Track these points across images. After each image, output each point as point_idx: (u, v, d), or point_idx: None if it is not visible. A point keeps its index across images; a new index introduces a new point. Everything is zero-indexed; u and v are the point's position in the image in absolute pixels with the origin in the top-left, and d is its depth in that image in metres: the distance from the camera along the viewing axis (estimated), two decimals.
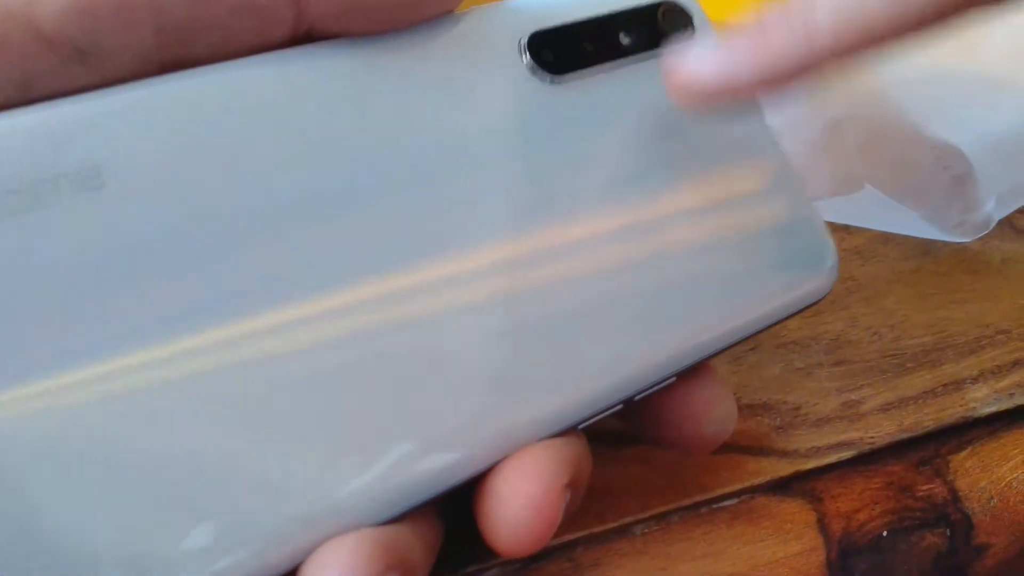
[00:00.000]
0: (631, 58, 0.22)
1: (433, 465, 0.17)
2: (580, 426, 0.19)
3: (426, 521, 0.18)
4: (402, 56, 0.19)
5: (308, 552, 0.16)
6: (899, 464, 0.24)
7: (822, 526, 0.22)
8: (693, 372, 0.20)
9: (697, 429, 0.21)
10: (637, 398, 0.19)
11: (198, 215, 0.17)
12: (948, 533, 0.23)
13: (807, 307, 0.22)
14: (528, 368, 0.18)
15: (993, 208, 0.29)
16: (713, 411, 0.20)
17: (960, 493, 0.23)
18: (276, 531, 0.16)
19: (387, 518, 0.17)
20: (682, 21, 0.22)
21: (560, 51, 0.21)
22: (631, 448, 0.23)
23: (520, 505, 0.17)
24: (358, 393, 0.17)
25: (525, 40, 0.20)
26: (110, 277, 0.16)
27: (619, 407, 0.19)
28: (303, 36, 0.19)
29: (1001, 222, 0.29)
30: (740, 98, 0.19)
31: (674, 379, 0.20)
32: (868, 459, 0.24)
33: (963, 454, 0.24)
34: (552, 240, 0.19)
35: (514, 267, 0.19)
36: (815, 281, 0.22)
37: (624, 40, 0.22)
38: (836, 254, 0.22)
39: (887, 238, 0.29)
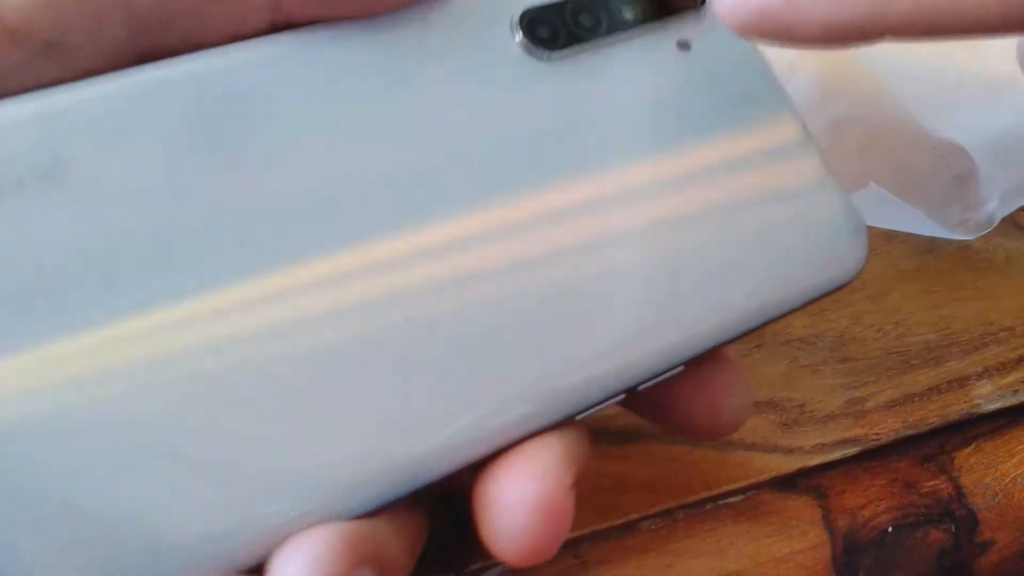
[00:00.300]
0: (635, 32, 0.20)
1: (412, 455, 0.16)
2: (579, 416, 0.18)
3: (409, 516, 0.17)
4: (386, 39, 0.18)
5: (275, 545, 0.15)
6: (904, 461, 0.24)
7: (827, 522, 0.22)
8: (706, 356, 0.19)
9: (710, 418, 0.19)
10: (641, 388, 0.18)
11: (169, 204, 0.16)
12: (953, 529, 0.23)
13: (833, 290, 0.20)
14: (521, 350, 0.17)
15: (996, 206, 0.29)
16: (727, 399, 0.19)
17: (965, 489, 0.23)
18: (241, 523, 0.15)
19: (361, 511, 0.15)
20: None
21: (556, 27, 0.20)
22: (637, 445, 0.23)
23: (524, 510, 0.16)
24: (329, 373, 0.16)
25: (517, 16, 0.19)
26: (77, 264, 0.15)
27: (621, 396, 0.18)
28: (283, 24, 0.18)
29: (1004, 220, 0.29)
30: (797, 41, 0.17)
31: (681, 368, 0.18)
32: (873, 456, 0.24)
33: (967, 451, 0.24)
34: (553, 217, 0.18)
35: (509, 243, 0.18)
36: (840, 261, 0.20)
37: (627, 15, 0.20)
38: (865, 234, 0.20)
39: (890, 236, 0.30)
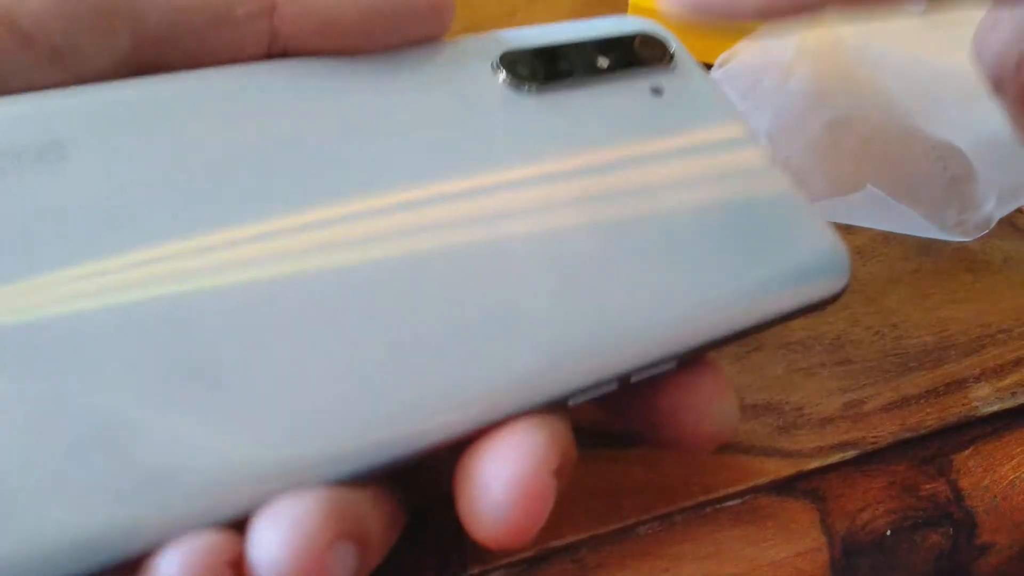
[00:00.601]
0: (611, 77, 0.23)
1: (398, 425, 0.16)
2: (570, 402, 0.18)
3: (389, 497, 0.17)
4: (374, 71, 0.20)
5: (258, 504, 0.15)
6: (902, 463, 0.24)
7: (825, 526, 0.22)
8: (694, 363, 0.20)
9: (695, 425, 0.19)
10: (634, 379, 0.19)
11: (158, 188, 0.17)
12: (951, 532, 0.23)
13: (817, 305, 0.21)
14: (511, 324, 0.18)
15: (993, 207, 0.29)
16: (713, 407, 0.19)
17: (963, 492, 0.23)
18: (223, 479, 0.15)
19: (345, 476, 0.15)
20: (659, 51, 0.24)
21: (535, 68, 0.22)
22: (635, 449, 0.23)
23: (502, 489, 0.16)
24: (314, 338, 0.16)
25: (498, 57, 0.22)
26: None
27: (613, 386, 0.18)
28: (279, 53, 0.19)
29: (1002, 221, 0.29)
30: (735, 21, 0.19)
31: (674, 364, 0.19)
32: (871, 459, 0.24)
33: (966, 453, 0.24)
34: (542, 208, 0.20)
35: (501, 226, 0.19)
36: (825, 278, 0.21)
37: (601, 63, 0.23)
38: (846, 254, 0.22)
39: (888, 238, 0.30)
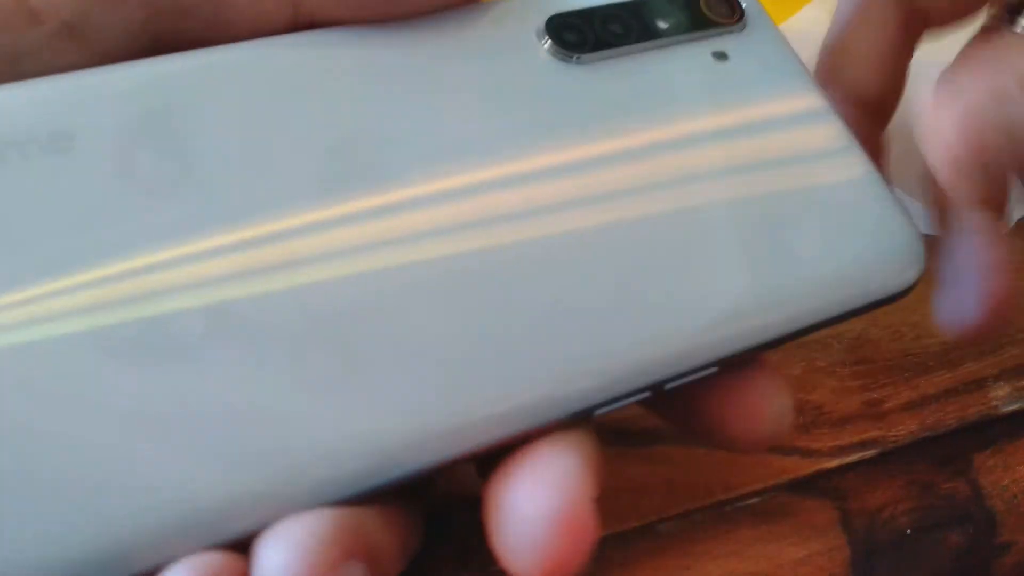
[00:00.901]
0: (670, 41, 0.20)
1: (409, 437, 0.15)
2: (598, 412, 0.16)
3: (402, 513, 0.16)
4: (407, 42, 0.18)
5: (261, 523, 0.14)
6: (921, 463, 0.24)
7: (845, 524, 0.22)
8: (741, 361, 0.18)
9: (747, 428, 0.18)
10: (668, 386, 0.17)
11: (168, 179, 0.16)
12: (971, 531, 0.23)
13: (884, 301, 0.19)
14: (538, 333, 0.16)
15: (1012, 207, 0.29)
16: (766, 407, 0.18)
17: (983, 491, 0.23)
18: (224, 500, 0.14)
19: (351, 494, 0.15)
20: (727, 9, 0.21)
21: (584, 33, 0.19)
22: (654, 447, 0.23)
23: (541, 525, 0.14)
24: (318, 346, 0.15)
25: (544, 22, 0.19)
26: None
27: (646, 394, 0.17)
28: (305, 24, 0.18)
29: (1021, 220, 0.29)
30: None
31: (715, 370, 0.17)
32: (890, 457, 0.24)
33: (985, 452, 0.24)
34: (582, 205, 0.18)
35: (542, 224, 0.17)
36: (895, 271, 0.19)
37: (660, 24, 0.20)
38: (921, 242, 0.19)
39: None
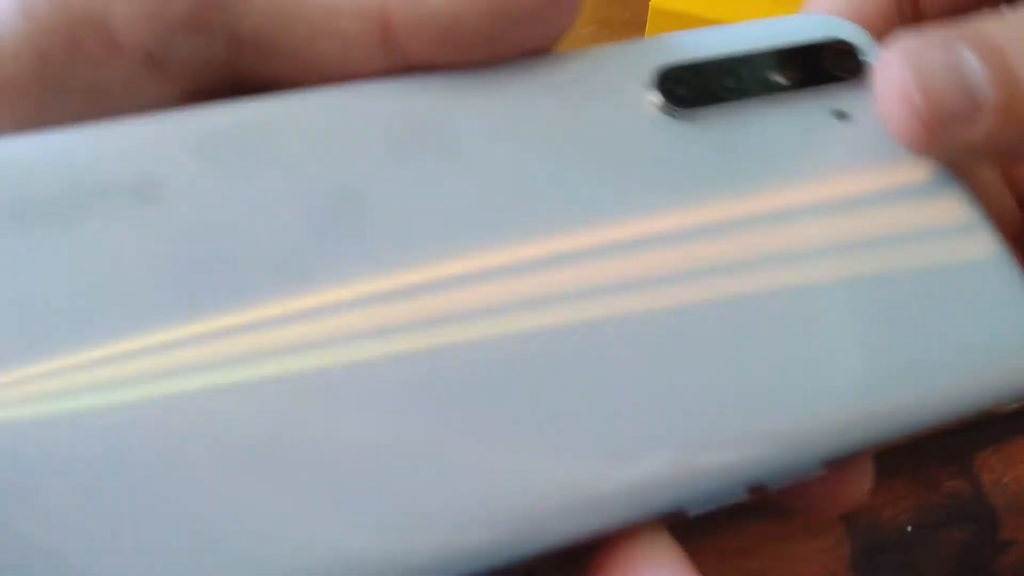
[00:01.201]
0: (785, 97, 0.18)
1: (501, 528, 0.13)
2: (694, 513, 0.14)
3: None
4: (505, 87, 0.17)
5: None
6: (925, 461, 0.24)
7: (848, 522, 0.22)
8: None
9: (828, 506, 0.16)
10: (771, 488, 0.15)
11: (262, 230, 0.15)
12: (973, 529, 0.23)
13: (1014, 399, 0.16)
14: (639, 415, 0.14)
15: None
16: (853, 487, 0.16)
17: (985, 489, 0.24)
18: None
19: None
20: (847, 61, 0.19)
21: (695, 87, 0.18)
22: None
23: None
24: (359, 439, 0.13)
25: (654, 74, 0.18)
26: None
27: (743, 496, 0.15)
28: (399, 66, 0.17)
29: None
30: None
31: (823, 471, 0.15)
32: (893, 456, 0.24)
33: (988, 451, 0.24)
34: (689, 272, 0.16)
35: (618, 292, 0.15)
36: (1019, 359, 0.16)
37: (777, 79, 0.19)
38: None
39: None
